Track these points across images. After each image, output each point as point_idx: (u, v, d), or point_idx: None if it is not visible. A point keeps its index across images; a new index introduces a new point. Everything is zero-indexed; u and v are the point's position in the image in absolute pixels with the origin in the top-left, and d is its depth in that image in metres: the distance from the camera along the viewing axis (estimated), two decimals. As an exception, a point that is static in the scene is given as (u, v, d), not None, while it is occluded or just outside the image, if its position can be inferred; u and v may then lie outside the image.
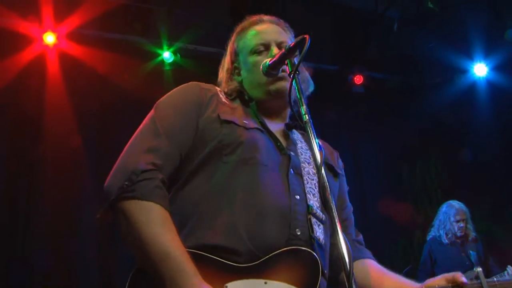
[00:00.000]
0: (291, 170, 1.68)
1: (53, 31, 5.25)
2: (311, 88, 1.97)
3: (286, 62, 1.63)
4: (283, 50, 1.63)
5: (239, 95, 1.87)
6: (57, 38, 5.28)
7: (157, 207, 1.50)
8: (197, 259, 1.46)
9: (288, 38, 1.90)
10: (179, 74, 5.67)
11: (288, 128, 1.85)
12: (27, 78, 5.16)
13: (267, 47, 1.84)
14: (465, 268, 4.74)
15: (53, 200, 4.96)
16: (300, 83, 1.75)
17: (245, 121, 1.72)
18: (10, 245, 4.86)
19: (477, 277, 1.65)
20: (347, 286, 1.21)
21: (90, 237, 5.01)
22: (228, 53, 1.97)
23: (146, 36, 5.60)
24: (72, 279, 4.95)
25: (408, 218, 6.50)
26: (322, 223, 1.65)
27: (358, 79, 6.69)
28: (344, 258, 1.26)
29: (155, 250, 1.44)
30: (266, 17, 1.95)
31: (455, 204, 5.27)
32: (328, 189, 1.36)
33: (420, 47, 6.25)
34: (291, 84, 1.55)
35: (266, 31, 1.88)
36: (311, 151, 1.46)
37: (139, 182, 1.51)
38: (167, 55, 5.73)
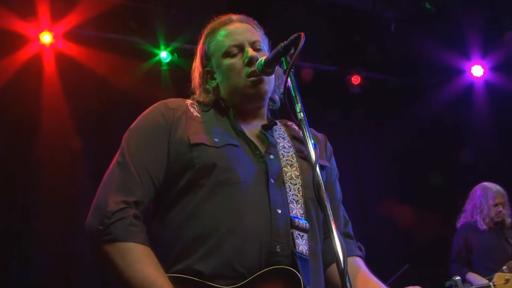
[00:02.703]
0: (271, 179, 1.65)
1: (50, 30, 5.22)
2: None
3: (281, 60, 1.62)
4: (279, 48, 1.62)
5: (214, 105, 1.83)
6: (54, 37, 5.26)
7: (133, 246, 1.52)
8: (183, 284, 1.50)
9: (260, 36, 1.86)
10: (176, 73, 5.66)
11: (266, 128, 1.81)
12: (24, 78, 5.14)
13: (240, 48, 1.80)
14: (507, 256, 4.33)
15: (51, 201, 4.95)
16: (275, 78, 1.77)
17: (216, 139, 1.67)
18: (8, 246, 4.85)
19: (456, 286, 1.65)
20: (341, 286, 1.21)
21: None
22: (198, 56, 1.93)
23: (143, 36, 5.59)
24: (70, 279, 4.94)
25: (407, 219, 6.50)
26: (306, 232, 1.63)
27: (356, 80, 6.70)
28: (339, 257, 1.26)
29: (138, 285, 1.46)
30: (235, 16, 1.91)
31: (492, 186, 4.84)
32: (323, 187, 1.36)
33: (418, 47, 6.25)
34: (286, 81, 1.54)
35: (238, 31, 1.83)
36: (306, 146, 1.45)
37: (112, 225, 1.52)
38: (164, 54, 5.72)
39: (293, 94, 1.52)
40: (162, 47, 5.71)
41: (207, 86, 1.86)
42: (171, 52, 5.72)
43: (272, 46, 1.86)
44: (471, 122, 6.79)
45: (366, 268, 1.83)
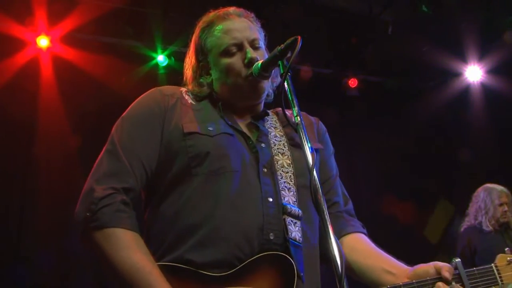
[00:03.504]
0: (264, 169, 1.65)
1: (47, 34, 5.22)
2: (277, 81, 1.90)
3: (278, 64, 1.61)
4: (275, 52, 1.62)
5: (207, 95, 1.83)
6: (51, 41, 5.26)
7: (120, 232, 1.51)
8: (173, 271, 1.49)
9: (258, 32, 1.84)
10: (173, 77, 5.63)
11: (256, 119, 1.81)
12: (21, 82, 5.14)
13: (239, 47, 1.77)
14: None
15: (48, 201, 4.96)
16: (274, 77, 1.76)
17: (210, 128, 1.67)
18: (7, 246, 4.86)
19: (455, 268, 1.63)
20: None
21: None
22: (192, 49, 1.89)
23: (140, 40, 5.59)
24: (68, 279, 4.94)
25: (404, 220, 6.50)
26: (299, 219, 1.62)
27: (353, 83, 6.70)
28: (336, 262, 1.25)
29: (125, 272, 1.46)
30: (232, 9, 1.86)
31: (496, 186, 4.75)
32: (320, 191, 1.35)
33: (414, 50, 6.26)
34: (283, 85, 1.54)
35: (236, 28, 1.79)
36: (304, 152, 1.44)
37: (99, 211, 1.51)
38: (161, 58, 5.73)
39: (290, 98, 1.52)
40: (159, 50, 5.71)
41: (201, 80, 1.84)
42: (168, 56, 5.72)
43: (268, 49, 1.84)
44: (468, 124, 6.80)
45: (371, 242, 1.82)
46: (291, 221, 1.59)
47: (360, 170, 6.87)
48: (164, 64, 5.74)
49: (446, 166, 6.96)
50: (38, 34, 5.20)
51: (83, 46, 5.37)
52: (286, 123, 1.83)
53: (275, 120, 1.86)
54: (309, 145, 1.44)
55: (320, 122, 1.98)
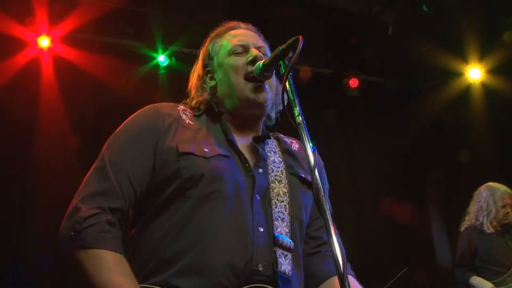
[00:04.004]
0: (257, 196, 1.59)
1: (48, 34, 5.24)
2: (280, 107, 1.87)
3: (279, 64, 1.59)
4: (277, 52, 1.60)
5: (207, 110, 1.77)
6: (52, 41, 5.27)
7: (103, 253, 1.47)
8: None
9: (265, 44, 1.84)
10: (174, 77, 5.67)
11: (257, 141, 1.75)
12: (22, 82, 5.15)
13: (246, 49, 1.76)
14: None
15: (48, 202, 4.95)
16: (272, 91, 1.72)
17: (205, 149, 1.60)
18: (7, 246, 4.86)
19: None
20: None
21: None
22: (200, 58, 1.89)
23: (141, 40, 5.60)
24: (68, 279, 4.94)
25: (404, 220, 6.50)
26: (290, 251, 1.57)
27: (353, 83, 6.70)
28: (338, 261, 1.24)
29: None
30: (242, 24, 1.88)
31: (499, 186, 4.58)
32: (322, 190, 1.35)
33: (415, 50, 6.26)
34: (284, 84, 1.53)
35: (245, 34, 1.82)
36: (305, 152, 1.42)
37: (83, 231, 1.48)
38: (162, 58, 5.73)
39: (292, 98, 1.50)
40: (160, 50, 5.71)
41: (205, 85, 1.82)
42: (169, 56, 5.73)
43: (269, 49, 1.84)
44: (468, 124, 6.79)
45: (360, 285, 1.72)
46: (282, 253, 1.54)
47: (360, 170, 6.87)
48: (165, 64, 5.74)
49: (446, 166, 6.96)
50: (39, 34, 5.21)
51: (84, 46, 5.38)
52: (285, 149, 1.81)
53: (275, 145, 1.81)
54: (311, 144, 1.43)
55: (318, 155, 1.92)
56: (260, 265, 1.49)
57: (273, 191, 1.64)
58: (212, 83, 1.81)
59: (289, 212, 1.62)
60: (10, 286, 4.80)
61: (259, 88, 1.70)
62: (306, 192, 1.74)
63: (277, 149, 1.79)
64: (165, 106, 1.74)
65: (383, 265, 5.90)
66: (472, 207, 4.64)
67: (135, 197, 1.58)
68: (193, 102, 1.81)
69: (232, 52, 1.76)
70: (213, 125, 1.73)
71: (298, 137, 1.46)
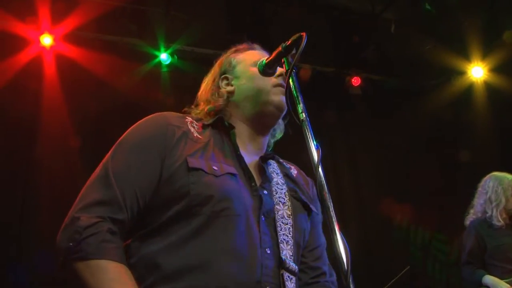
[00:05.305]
0: (262, 217, 1.57)
1: (50, 33, 5.24)
2: (280, 135, 1.94)
3: (282, 61, 1.60)
4: (280, 49, 1.61)
5: (215, 122, 1.74)
6: (54, 40, 5.27)
7: (106, 264, 1.40)
8: None
9: None
10: (176, 75, 5.67)
11: (263, 161, 1.75)
12: (24, 80, 5.14)
13: None
14: None
15: (49, 202, 4.95)
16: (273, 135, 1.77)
17: (214, 167, 1.56)
18: (7, 246, 4.85)
19: None
20: (345, 285, 1.20)
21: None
22: (217, 67, 1.91)
23: (143, 38, 5.59)
24: (68, 279, 4.93)
25: (406, 219, 6.50)
26: (295, 275, 1.57)
27: (356, 81, 6.70)
28: (342, 258, 1.24)
29: None
30: (257, 46, 1.96)
31: (506, 175, 4.24)
32: (325, 187, 1.34)
33: (417, 48, 6.25)
34: (288, 81, 1.53)
35: (264, 56, 1.82)
36: (309, 149, 1.41)
37: (83, 240, 1.41)
38: (164, 56, 5.73)
39: (295, 95, 1.50)
40: (162, 49, 5.72)
41: (221, 90, 1.82)
42: (171, 54, 5.73)
43: (271, 48, 1.86)
44: (471, 123, 6.79)
45: None
46: (288, 277, 1.53)
47: (362, 168, 6.87)
48: (167, 62, 5.74)
49: (449, 165, 6.95)
50: (42, 33, 5.21)
51: (86, 44, 5.38)
52: (285, 173, 1.82)
53: (276, 167, 1.81)
54: (315, 142, 1.42)
55: (313, 186, 1.90)
56: (268, 287, 1.48)
57: (278, 213, 1.62)
58: (229, 88, 1.82)
59: (292, 235, 1.61)
60: (10, 286, 4.80)
61: (282, 93, 1.74)
62: (307, 217, 1.75)
63: (279, 171, 1.80)
64: (173, 117, 1.68)
65: (383, 265, 5.90)
66: (478, 199, 4.30)
67: (137, 209, 1.52)
68: (206, 108, 1.80)
69: (256, 64, 1.76)
70: (221, 139, 1.70)
71: (302, 135, 1.45)
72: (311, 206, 1.78)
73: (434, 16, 5.74)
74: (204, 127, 1.72)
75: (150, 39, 5.63)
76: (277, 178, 1.75)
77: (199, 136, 1.66)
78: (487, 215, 4.16)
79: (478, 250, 4.12)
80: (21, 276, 4.77)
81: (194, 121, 1.72)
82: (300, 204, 1.74)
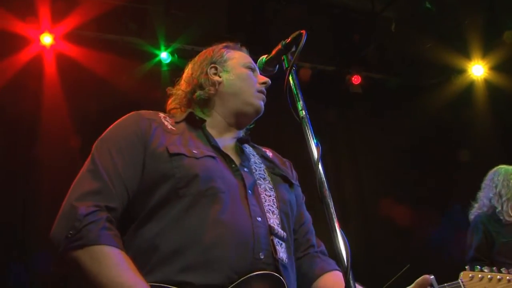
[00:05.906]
0: (249, 190, 1.66)
1: (50, 32, 5.24)
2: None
3: (282, 58, 1.62)
4: (280, 46, 1.62)
5: (187, 117, 1.82)
6: (54, 39, 5.27)
7: (108, 249, 1.44)
8: None
9: None
10: (177, 74, 5.65)
11: (241, 142, 1.88)
12: (24, 79, 5.15)
13: (253, 70, 1.93)
14: None
15: (50, 200, 4.94)
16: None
17: (194, 151, 1.65)
18: (8, 246, 4.86)
19: (431, 285, 1.66)
20: (345, 282, 1.20)
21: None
22: (208, 54, 1.96)
23: (143, 37, 5.60)
24: (69, 279, 4.94)
25: (406, 219, 6.49)
26: (284, 241, 1.63)
27: (356, 79, 6.69)
28: (342, 256, 1.25)
29: None
30: (245, 49, 2.03)
31: None
32: (325, 184, 1.35)
33: (418, 47, 6.25)
34: (288, 78, 1.54)
35: (252, 61, 1.97)
36: (309, 146, 1.43)
37: (84, 228, 1.44)
38: (164, 55, 5.74)
39: (295, 92, 1.51)
40: (162, 48, 5.72)
41: (210, 77, 1.88)
42: (171, 53, 5.73)
43: (271, 46, 1.87)
44: (471, 121, 6.78)
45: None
46: (278, 242, 1.60)
47: (363, 167, 6.87)
48: (168, 61, 5.75)
49: (449, 164, 6.94)
50: (42, 32, 5.22)
51: (86, 43, 5.39)
52: (261, 155, 1.92)
53: (252, 150, 1.92)
54: (315, 140, 1.43)
55: (293, 168, 2.02)
56: (261, 253, 1.53)
57: (260, 187, 1.71)
58: (217, 78, 1.88)
59: (277, 206, 1.70)
60: (10, 285, 4.81)
61: (263, 99, 1.89)
62: (289, 189, 1.84)
63: (255, 153, 1.90)
64: (148, 113, 1.78)
65: (384, 264, 5.89)
66: (485, 193, 4.03)
67: (127, 200, 1.58)
68: (194, 95, 1.87)
69: (246, 66, 1.92)
70: (194, 131, 1.78)
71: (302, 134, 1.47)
72: (291, 179, 1.88)
73: (434, 15, 5.74)
74: (176, 122, 1.81)
75: (151, 38, 5.63)
76: (254, 159, 1.85)
77: (173, 128, 1.76)
78: (497, 210, 3.87)
79: (486, 246, 3.84)
80: (22, 276, 4.77)
81: (167, 116, 1.83)
82: (280, 178, 1.84)
